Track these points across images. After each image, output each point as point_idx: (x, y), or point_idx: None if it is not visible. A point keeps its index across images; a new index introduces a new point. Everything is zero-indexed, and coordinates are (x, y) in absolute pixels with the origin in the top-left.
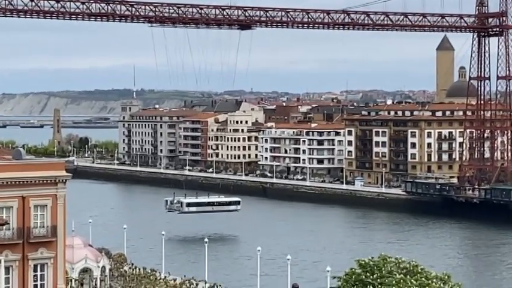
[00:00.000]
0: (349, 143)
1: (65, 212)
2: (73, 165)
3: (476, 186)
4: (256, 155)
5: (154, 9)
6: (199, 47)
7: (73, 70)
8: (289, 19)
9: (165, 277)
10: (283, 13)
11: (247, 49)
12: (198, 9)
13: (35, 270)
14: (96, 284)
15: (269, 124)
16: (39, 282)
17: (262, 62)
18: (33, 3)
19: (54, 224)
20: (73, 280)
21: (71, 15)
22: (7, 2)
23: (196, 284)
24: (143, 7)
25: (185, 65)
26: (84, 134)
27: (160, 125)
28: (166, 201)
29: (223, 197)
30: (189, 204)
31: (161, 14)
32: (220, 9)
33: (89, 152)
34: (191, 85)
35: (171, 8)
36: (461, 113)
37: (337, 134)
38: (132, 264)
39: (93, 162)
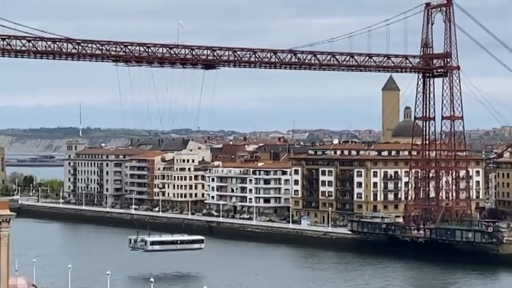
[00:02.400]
0: (296, 182)
1: (8, 251)
2: (17, 204)
3: (422, 226)
4: (202, 194)
5: (101, 47)
6: (161, 85)
7: (18, 108)
8: (236, 58)
9: None
10: (230, 52)
11: (202, 88)
12: (145, 47)
13: None
14: None
15: (216, 163)
16: None
17: (209, 100)
18: None
19: None
20: None
21: (17, 53)
22: None
23: None
24: (90, 45)
25: (139, 104)
26: (29, 172)
27: (107, 164)
28: (130, 239)
29: (187, 235)
30: (153, 243)
31: (108, 52)
32: (168, 48)
33: (33, 191)
34: (140, 124)
35: (118, 46)
36: (406, 152)
37: (284, 173)
38: None
39: (38, 201)
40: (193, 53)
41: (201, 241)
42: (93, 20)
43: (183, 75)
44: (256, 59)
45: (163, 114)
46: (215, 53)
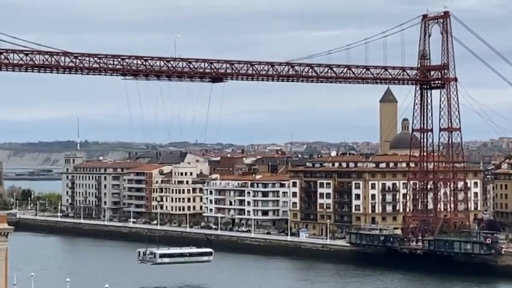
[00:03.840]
0: (294, 194)
1: (6, 265)
2: (15, 218)
3: (420, 238)
4: (201, 207)
5: (99, 61)
6: (167, 99)
7: (16, 122)
8: (233, 71)
9: None
10: (227, 65)
11: (205, 102)
12: (142, 61)
13: None
14: None
15: (214, 176)
16: None
17: (214, 113)
18: None
19: None
20: None
21: (14, 67)
22: None
23: None
24: (87, 59)
25: (144, 116)
26: (27, 186)
27: (105, 177)
28: (139, 252)
29: (195, 248)
30: (162, 256)
31: (105, 66)
32: (165, 61)
33: (31, 205)
34: (147, 136)
35: (115, 59)
36: (404, 164)
37: (282, 185)
38: None
39: (36, 214)
40: (191, 66)
41: (210, 253)
42: (90, 33)
43: (189, 88)
44: (254, 72)
45: (167, 127)
46: (212, 66)
